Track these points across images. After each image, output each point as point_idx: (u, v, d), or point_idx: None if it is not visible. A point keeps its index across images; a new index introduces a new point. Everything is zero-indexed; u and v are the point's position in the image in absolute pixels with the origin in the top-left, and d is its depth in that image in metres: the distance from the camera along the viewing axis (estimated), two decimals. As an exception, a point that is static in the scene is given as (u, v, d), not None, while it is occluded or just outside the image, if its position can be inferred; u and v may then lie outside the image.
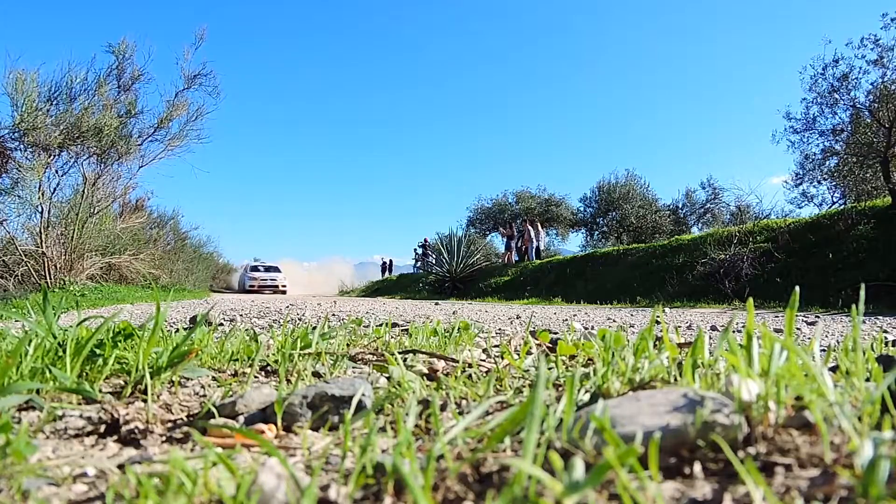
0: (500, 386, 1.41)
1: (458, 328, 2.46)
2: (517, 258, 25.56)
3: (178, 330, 2.20)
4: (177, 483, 0.67)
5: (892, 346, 2.91)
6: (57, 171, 15.22)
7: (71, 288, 14.48)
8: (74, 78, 14.34)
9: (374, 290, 33.33)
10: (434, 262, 27.20)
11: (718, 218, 29.49)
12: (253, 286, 33.63)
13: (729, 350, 0.99)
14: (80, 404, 1.21)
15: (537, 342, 2.14)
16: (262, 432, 1.04)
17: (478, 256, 25.27)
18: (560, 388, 1.33)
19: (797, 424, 0.79)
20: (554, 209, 34.85)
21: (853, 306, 1.00)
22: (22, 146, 13.92)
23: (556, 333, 2.73)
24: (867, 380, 1.08)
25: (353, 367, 1.82)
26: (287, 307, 10.10)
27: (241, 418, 1.13)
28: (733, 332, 1.08)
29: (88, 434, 1.05)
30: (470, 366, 1.54)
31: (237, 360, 1.78)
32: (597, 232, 32.81)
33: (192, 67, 16.35)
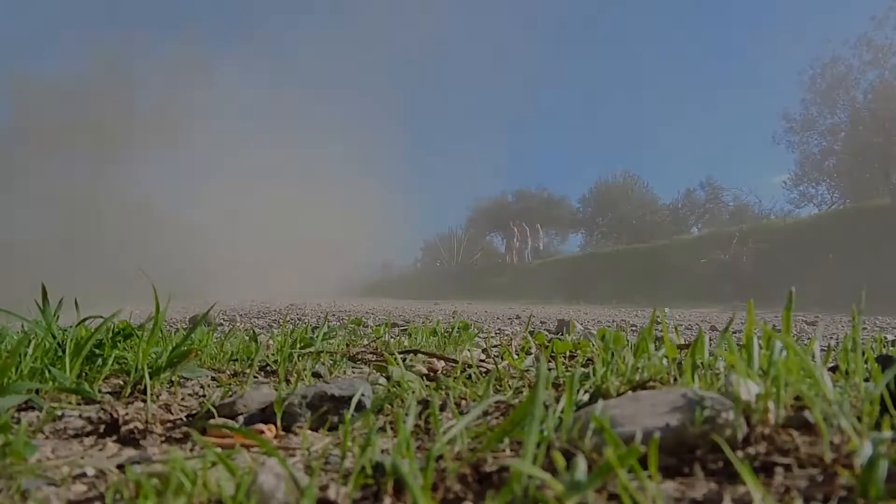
0: (500, 386, 1.41)
1: (458, 328, 2.46)
2: (517, 258, 25.56)
3: (177, 330, 2.20)
4: (176, 483, 0.66)
5: (892, 345, 2.91)
6: (57, 171, 15.20)
7: (70, 288, 14.45)
8: (75, 78, 14.32)
9: (374, 290, 33.31)
10: (434, 261, 27.23)
11: (718, 218, 29.49)
12: None
13: (728, 350, 0.99)
14: (79, 404, 1.21)
15: (536, 342, 2.14)
16: (262, 432, 1.04)
17: (477, 256, 25.30)
18: (559, 389, 1.33)
19: (797, 424, 0.79)
20: (553, 209, 34.81)
21: (853, 306, 1.01)
22: (22, 146, 13.92)
23: (555, 334, 2.73)
24: (866, 380, 1.08)
25: (353, 367, 1.82)
26: (287, 307, 10.10)
27: (241, 418, 1.13)
28: (733, 332, 1.08)
29: (88, 434, 1.05)
30: (469, 366, 1.54)
31: (237, 360, 1.78)
32: (596, 232, 32.79)
33: (187, 61, 16.26)
